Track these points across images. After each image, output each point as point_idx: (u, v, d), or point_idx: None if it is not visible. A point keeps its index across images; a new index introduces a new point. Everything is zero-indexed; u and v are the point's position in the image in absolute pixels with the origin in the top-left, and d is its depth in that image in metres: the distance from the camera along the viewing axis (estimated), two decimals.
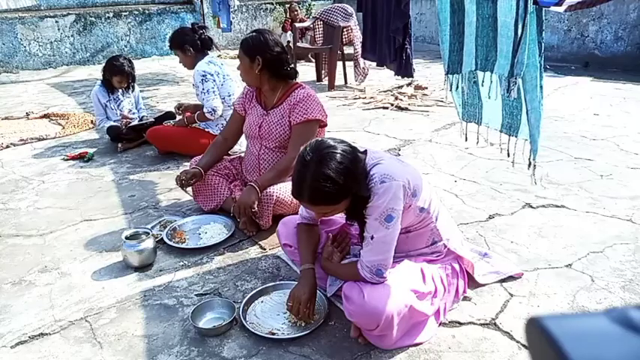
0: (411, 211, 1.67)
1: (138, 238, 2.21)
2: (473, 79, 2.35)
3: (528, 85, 2.01)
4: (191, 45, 3.43)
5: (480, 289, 1.98)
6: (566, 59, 7.30)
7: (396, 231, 1.60)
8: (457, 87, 2.45)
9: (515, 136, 2.25)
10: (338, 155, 1.53)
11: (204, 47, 3.48)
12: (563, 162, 3.38)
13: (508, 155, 2.30)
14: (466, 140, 2.61)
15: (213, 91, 3.35)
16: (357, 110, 5.04)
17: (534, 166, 2.16)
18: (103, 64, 3.95)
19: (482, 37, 2.17)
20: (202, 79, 3.33)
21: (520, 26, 1.88)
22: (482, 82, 2.25)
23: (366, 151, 1.69)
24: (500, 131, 2.33)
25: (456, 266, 1.86)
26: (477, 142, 2.49)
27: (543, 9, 1.88)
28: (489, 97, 2.20)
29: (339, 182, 1.51)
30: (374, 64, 5.37)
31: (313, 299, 1.78)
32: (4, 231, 2.63)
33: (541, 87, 1.98)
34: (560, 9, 1.77)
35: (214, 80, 3.36)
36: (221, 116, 3.43)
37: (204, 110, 3.38)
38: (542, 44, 1.94)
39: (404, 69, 4.75)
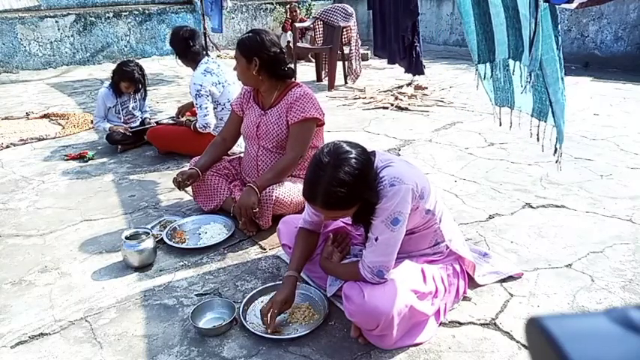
0: (418, 213, 1.66)
1: (138, 238, 2.21)
2: (506, 66, 2.36)
3: (550, 78, 2.03)
4: (181, 56, 3.43)
5: (480, 289, 1.98)
6: (566, 59, 7.22)
7: (401, 234, 1.60)
8: (491, 75, 2.46)
9: (545, 121, 2.25)
10: (353, 160, 1.51)
11: (194, 58, 3.42)
12: (563, 162, 3.36)
13: (538, 140, 2.29)
14: (500, 125, 2.58)
15: (206, 107, 3.32)
16: (357, 110, 5.03)
17: (560, 153, 2.18)
18: (115, 66, 3.94)
19: (511, 28, 2.19)
20: (197, 94, 3.29)
21: (533, 24, 1.88)
22: (514, 70, 2.27)
23: (374, 152, 1.68)
24: (532, 115, 2.34)
25: (457, 267, 1.86)
26: (511, 127, 2.48)
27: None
28: (520, 86, 2.21)
29: (353, 188, 1.50)
30: (369, 65, 5.38)
31: (287, 305, 1.76)
32: (4, 231, 2.63)
33: (562, 79, 2.00)
34: (572, 6, 1.77)
35: (209, 95, 3.32)
36: (221, 119, 3.42)
37: (197, 124, 3.38)
38: (559, 38, 1.94)
39: (414, 67, 4.78)
